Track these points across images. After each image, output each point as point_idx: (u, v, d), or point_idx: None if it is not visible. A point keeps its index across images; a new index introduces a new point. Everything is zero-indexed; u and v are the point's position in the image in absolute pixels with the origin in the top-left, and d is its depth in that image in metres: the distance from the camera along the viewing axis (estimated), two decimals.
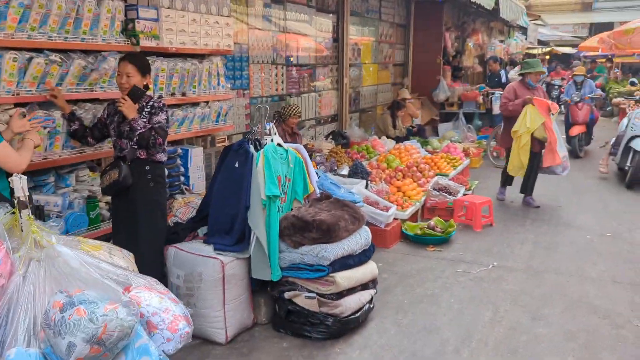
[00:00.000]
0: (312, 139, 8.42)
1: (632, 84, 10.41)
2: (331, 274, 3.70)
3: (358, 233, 3.99)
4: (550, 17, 27.48)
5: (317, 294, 3.73)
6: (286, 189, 3.96)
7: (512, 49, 15.02)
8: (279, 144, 3.95)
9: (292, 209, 4.01)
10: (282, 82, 7.58)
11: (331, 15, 8.79)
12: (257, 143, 3.92)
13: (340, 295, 3.76)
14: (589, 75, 11.78)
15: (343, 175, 6.66)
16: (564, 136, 9.56)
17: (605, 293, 4.47)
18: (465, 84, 13.62)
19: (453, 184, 7.01)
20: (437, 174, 7.40)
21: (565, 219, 6.58)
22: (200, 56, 5.26)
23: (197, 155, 5.17)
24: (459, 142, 10.65)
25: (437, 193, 6.59)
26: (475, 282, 4.75)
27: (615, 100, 14.40)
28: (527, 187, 7.09)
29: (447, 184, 6.91)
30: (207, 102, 5.41)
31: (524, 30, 19.24)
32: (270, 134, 4.01)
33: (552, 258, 5.30)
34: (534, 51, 21.94)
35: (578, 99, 10.21)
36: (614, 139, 8.76)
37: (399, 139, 9.33)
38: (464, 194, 6.92)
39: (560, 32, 26.97)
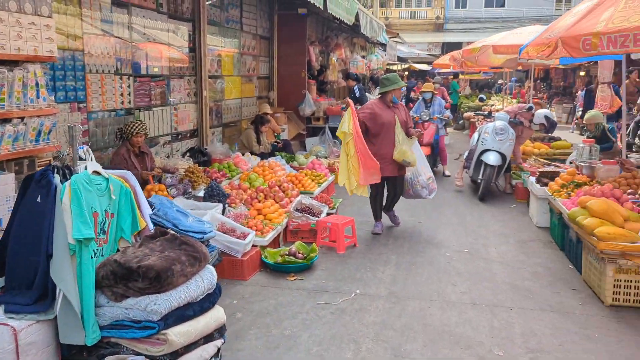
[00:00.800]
0: (168, 157, 7.55)
1: (481, 99, 10.79)
2: (163, 331, 2.98)
3: (199, 276, 3.32)
4: (407, 36, 28.90)
5: (146, 356, 3.00)
6: (107, 227, 3.18)
7: (373, 65, 15.28)
8: (95, 172, 3.16)
9: (116, 251, 3.24)
10: (129, 94, 6.65)
11: (186, 23, 8.01)
12: (67, 171, 3.10)
13: (176, 354, 3.06)
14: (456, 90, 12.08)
15: (198, 198, 5.93)
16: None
17: (466, 319, 4.24)
18: (331, 98, 13.50)
19: (317, 203, 6.59)
20: (301, 193, 6.95)
21: (425, 236, 6.43)
22: (12, 63, 4.26)
23: (5, 183, 4.15)
24: (325, 158, 10.38)
25: (300, 214, 6.11)
26: (336, 315, 4.29)
27: (466, 114, 15.18)
28: (391, 205, 6.81)
29: (310, 204, 6.47)
30: (22, 118, 4.40)
31: (384, 46, 19.85)
32: (84, 159, 3.20)
33: (413, 281, 5.03)
34: (394, 67, 22.77)
35: (427, 118, 9.55)
36: (467, 153, 8.97)
37: (263, 155, 8.78)
38: (328, 214, 6.53)
39: (417, 49, 28.41)
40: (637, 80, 11.61)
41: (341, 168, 6.27)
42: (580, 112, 14.41)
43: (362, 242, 6.17)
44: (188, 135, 8.36)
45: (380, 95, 6.49)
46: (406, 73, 25.84)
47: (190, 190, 6.16)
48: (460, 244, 6.14)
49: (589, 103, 11.57)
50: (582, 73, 21.56)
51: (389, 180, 6.44)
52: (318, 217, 6.17)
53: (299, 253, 5.39)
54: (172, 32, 7.64)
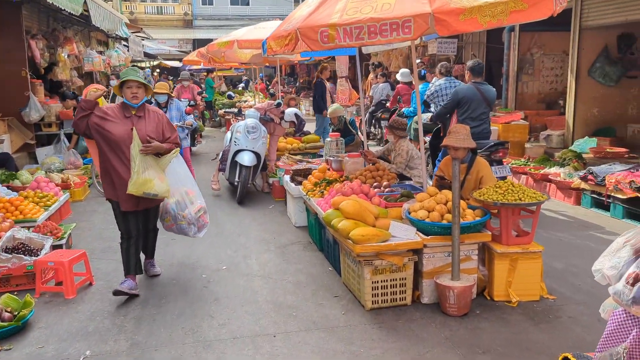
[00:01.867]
0: None
1: (230, 97, 10.16)
2: None
3: None
4: (156, 32, 27.14)
5: None
6: None
7: (114, 61, 13.53)
8: None
9: None
10: None
11: None
12: None
13: None
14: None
15: None
16: None
17: None
18: (75, 100, 11.40)
19: (37, 236, 5.08)
20: (16, 222, 5.35)
21: (179, 256, 5.51)
22: None
23: None
24: (60, 171, 8.62)
25: (8, 256, 4.59)
26: None
27: (220, 111, 14.59)
28: (147, 249, 5.02)
29: (27, 238, 4.96)
30: None
31: (134, 43, 18.01)
32: None
33: (163, 321, 4.09)
34: (142, 64, 21.01)
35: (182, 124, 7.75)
36: (221, 154, 8.27)
37: None
38: (54, 247, 5.12)
39: (167, 46, 26.87)
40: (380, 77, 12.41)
41: None
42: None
43: (102, 276, 4.96)
44: None
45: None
46: (157, 71, 24.18)
47: None
48: (218, 259, 5.39)
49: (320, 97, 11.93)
50: (327, 66, 22.92)
51: (136, 216, 4.54)
52: (37, 255, 4.74)
53: (5, 312, 3.95)
54: None
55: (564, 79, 11.62)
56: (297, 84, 23.47)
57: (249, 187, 7.86)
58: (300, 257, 5.40)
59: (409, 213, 4.41)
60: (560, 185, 7.33)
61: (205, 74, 19.49)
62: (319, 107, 11.45)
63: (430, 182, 5.64)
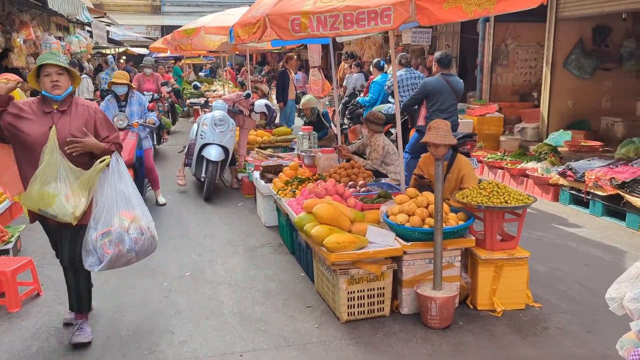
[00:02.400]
0: None
1: (196, 87, 9.41)
2: None
3: None
4: (123, 18, 26.05)
5: None
6: None
7: (74, 48, 12.75)
8: None
9: None
10: None
11: None
12: None
13: None
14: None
15: None
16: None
17: None
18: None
19: None
20: None
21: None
22: None
23: None
24: None
25: None
26: None
27: (188, 101, 13.98)
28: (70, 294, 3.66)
29: None
30: None
31: (98, 28, 17.12)
32: None
33: (118, 339, 3.65)
34: (107, 51, 20.07)
35: (124, 124, 6.13)
36: (187, 147, 7.76)
37: None
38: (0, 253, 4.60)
39: (134, 32, 25.83)
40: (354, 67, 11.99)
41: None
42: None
43: (52, 285, 4.48)
44: None
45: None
46: (124, 58, 23.20)
47: None
48: (182, 265, 4.96)
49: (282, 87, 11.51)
50: (293, 56, 22.40)
51: (59, 234, 3.49)
52: None
53: None
54: None
55: (537, 70, 11.45)
56: (263, 73, 22.77)
57: (216, 183, 7.41)
58: (270, 261, 5.01)
59: (388, 216, 4.07)
60: (538, 180, 7.10)
61: (173, 62, 18.73)
62: (283, 97, 11.11)
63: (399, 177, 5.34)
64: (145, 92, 9.11)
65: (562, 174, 6.66)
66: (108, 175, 3.38)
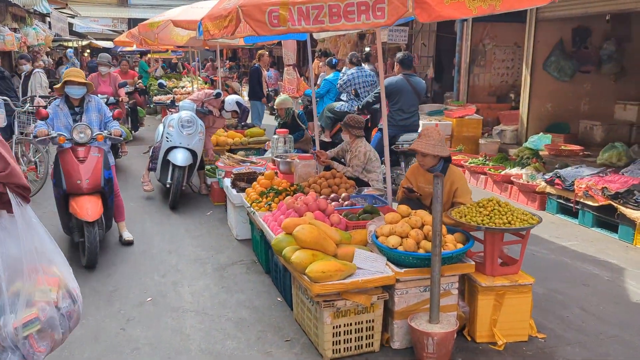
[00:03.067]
0: None
1: (161, 85, 8.36)
2: None
3: None
4: (87, 9, 24.84)
5: None
6: None
7: (31, 40, 11.80)
8: None
9: None
10: None
11: None
12: None
13: None
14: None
15: None
16: None
17: None
18: None
19: None
20: None
21: (93, 282, 4.38)
22: None
23: None
24: None
25: None
26: None
27: (156, 97, 13.20)
28: None
29: None
30: None
31: (58, 20, 16.07)
32: None
33: None
34: (69, 44, 18.97)
35: (87, 139, 4.74)
36: (151, 150, 7.10)
37: None
38: None
39: (99, 25, 24.66)
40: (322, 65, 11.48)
41: None
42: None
43: None
44: None
45: None
46: (87, 51, 22.07)
47: None
48: (143, 288, 4.35)
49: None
50: (265, 53, 21.72)
51: None
52: None
53: None
54: None
55: (514, 71, 11.15)
56: (239, 69, 22.01)
57: (184, 189, 6.77)
58: (242, 283, 4.44)
59: (377, 237, 3.56)
60: (523, 188, 6.73)
61: (139, 56, 17.81)
62: (256, 93, 10.56)
63: (386, 184, 4.90)
64: (99, 95, 7.46)
65: (550, 182, 6.29)
66: (28, 225, 2.28)
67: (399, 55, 6.83)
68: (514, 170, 7.17)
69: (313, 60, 12.58)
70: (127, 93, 9.67)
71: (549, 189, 6.33)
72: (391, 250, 3.39)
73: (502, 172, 7.21)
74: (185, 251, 5.13)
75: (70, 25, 18.61)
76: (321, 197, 4.47)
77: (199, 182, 7.27)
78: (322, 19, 3.21)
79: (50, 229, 3.13)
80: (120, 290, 4.29)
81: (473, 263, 3.49)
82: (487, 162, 7.77)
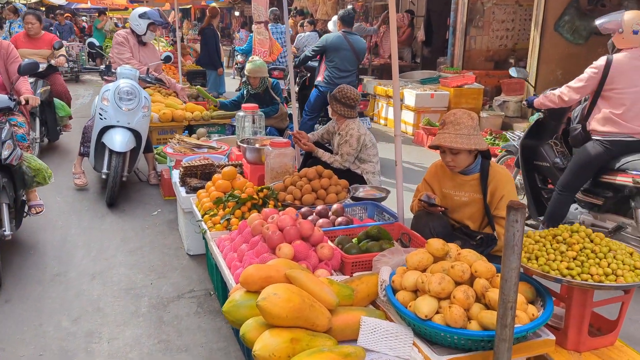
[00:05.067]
0: None
1: (91, 46, 5.68)
2: None
3: None
4: None
5: None
6: None
7: None
8: None
9: None
10: None
11: None
12: None
13: None
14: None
15: None
16: None
17: None
18: None
19: None
20: None
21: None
22: None
23: None
24: None
25: None
26: None
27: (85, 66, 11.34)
28: None
29: None
30: None
31: None
32: None
33: None
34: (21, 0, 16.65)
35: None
36: (83, 131, 5.43)
37: None
38: None
39: None
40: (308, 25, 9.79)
41: None
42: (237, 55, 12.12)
43: None
44: None
45: None
46: (43, 8, 19.63)
47: None
48: (39, 342, 2.87)
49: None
50: (237, 13, 19.74)
51: None
52: None
53: None
54: None
55: (515, 33, 9.71)
56: (191, 29, 19.69)
57: (128, 177, 5.19)
58: (190, 332, 3.00)
59: (395, 293, 2.16)
60: None
61: (97, 14, 15.69)
62: (213, 61, 8.87)
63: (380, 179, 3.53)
64: None
65: None
66: None
67: (341, 12, 6.41)
68: None
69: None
70: (39, 75, 6.02)
71: None
72: (424, 323, 1.98)
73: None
74: (114, 275, 3.63)
75: None
76: (302, 209, 3.03)
77: (147, 169, 5.70)
78: None
79: None
80: (40, 315, 2.82)
81: (552, 338, 2.11)
82: (496, 142, 6.39)
